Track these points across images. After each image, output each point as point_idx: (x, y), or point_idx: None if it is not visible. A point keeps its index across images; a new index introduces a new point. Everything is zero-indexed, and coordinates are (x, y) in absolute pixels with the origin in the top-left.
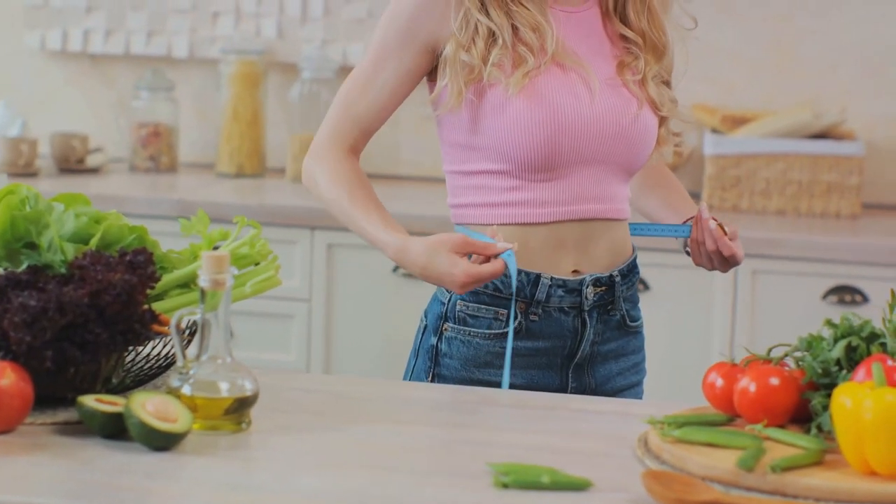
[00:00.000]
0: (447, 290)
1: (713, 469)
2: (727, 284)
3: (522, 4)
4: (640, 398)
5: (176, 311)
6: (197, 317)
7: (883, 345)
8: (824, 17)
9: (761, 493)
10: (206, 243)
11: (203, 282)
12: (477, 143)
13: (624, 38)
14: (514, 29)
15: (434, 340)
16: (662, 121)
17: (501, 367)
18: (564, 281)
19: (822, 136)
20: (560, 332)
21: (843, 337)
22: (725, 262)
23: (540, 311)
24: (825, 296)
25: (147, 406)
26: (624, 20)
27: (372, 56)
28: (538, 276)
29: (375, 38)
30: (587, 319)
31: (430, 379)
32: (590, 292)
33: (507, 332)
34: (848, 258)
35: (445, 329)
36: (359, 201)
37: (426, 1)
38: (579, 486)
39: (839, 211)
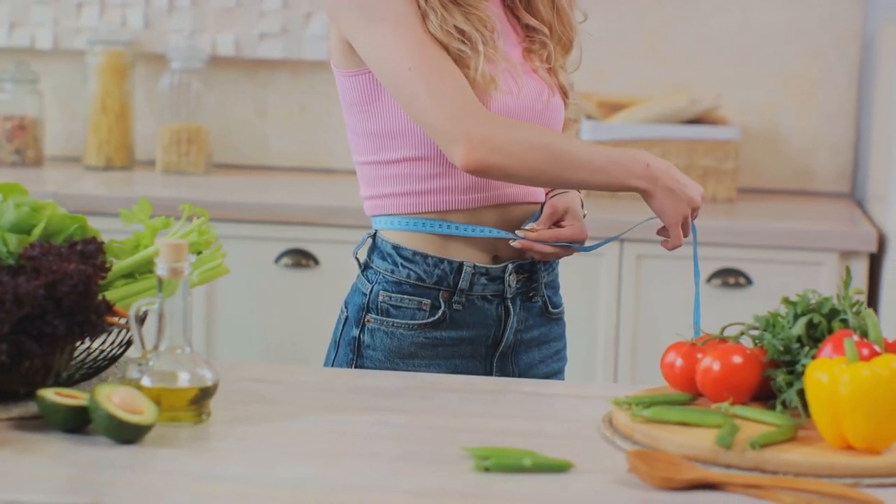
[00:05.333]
0: (368, 282)
1: (690, 448)
2: (612, 269)
3: (471, 6)
4: None
5: (134, 301)
6: (155, 306)
7: (844, 321)
8: (693, 3)
9: (740, 470)
10: (149, 232)
11: (161, 270)
12: (395, 130)
13: (527, 27)
14: (478, 31)
15: (356, 332)
16: (566, 106)
17: (426, 357)
18: (487, 269)
19: (696, 121)
20: (484, 321)
21: (802, 314)
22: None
23: (463, 299)
24: (710, 279)
25: (113, 398)
26: (529, 11)
27: (403, 28)
28: (461, 265)
29: (372, 9)
30: (510, 307)
31: None
32: (512, 280)
33: (430, 323)
34: (730, 241)
35: (368, 320)
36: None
37: None
38: (561, 468)
39: (716, 195)
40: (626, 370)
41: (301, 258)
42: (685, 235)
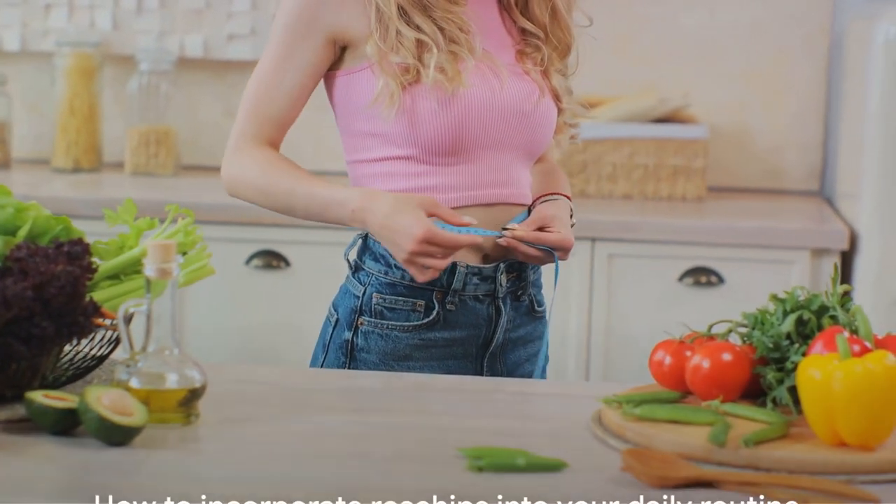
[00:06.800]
0: (360, 283)
1: (683, 446)
2: (583, 268)
3: (442, 9)
4: None
5: (120, 302)
6: (143, 307)
7: (833, 317)
8: (661, 2)
9: (734, 468)
10: (133, 233)
11: (149, 271)
12: (382, 129)
13: (523, 30)
14: (441, 30)
15: (348, 335)
16: (560, 110)
17: (420, 359)
18: (480, 269)
19: (665, 120)
20: (475, 321)
21: (791, 311)
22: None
23: (456, 299)
24: (681, 277)
25: (103, 400)
26: (525, 14)
27: (273, 53)
28: (454, 265)
29: (274, 33)
30: (501, 306)
31: None
32: (503, 279)
33: (425, 324)
34: (701, 240)
35: (361, 323)
36: (302, 177)
37: None
38: (554, 467)
39: (685, 194)
40: (598, 368)
41: (272, 259)
42: (425, 274)
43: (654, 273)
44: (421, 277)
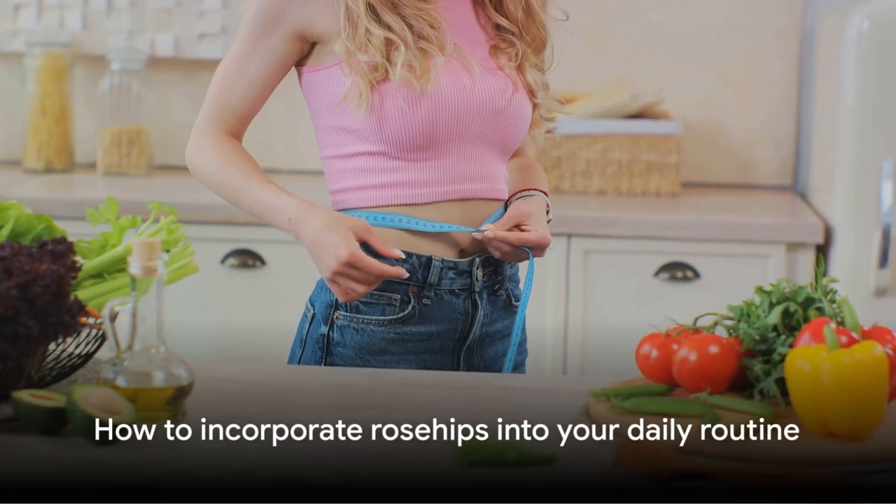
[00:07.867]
0: None
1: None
2: (559, 263)
3: (416, 5)
4: None
5: (104, 301)
6: (128, 306)
7: (819, 309)
8: None
9: (724, 460)
10: (116, 232)
11: (134, 269)
12: (353, 125)
13: (497, 26)
14: (411, 27)
15: (325, 329)
16: (535, 105)
17: (396, 353)
18: (455, 263)
19: (639, 116)
20: (452, 316)
21: (777, 303)
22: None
23: (432, 294)
24: (657, 273)
25: (90, 399)
26: (499, 9)
27: (240, 44)
28: (429, 259)
29: (242, 26)
30: (478, 301)
31: None
32: (479, 273)
33: (400, 318)
34: (676, 235)
35: (337, 317)
36: (253, 176)
37: None
38: (545, 461)
39: (659, 190)
40: (576, 364)
41: (247, 258)
42: (350, 295)
43: (629, 268)
44: (342, 298)
